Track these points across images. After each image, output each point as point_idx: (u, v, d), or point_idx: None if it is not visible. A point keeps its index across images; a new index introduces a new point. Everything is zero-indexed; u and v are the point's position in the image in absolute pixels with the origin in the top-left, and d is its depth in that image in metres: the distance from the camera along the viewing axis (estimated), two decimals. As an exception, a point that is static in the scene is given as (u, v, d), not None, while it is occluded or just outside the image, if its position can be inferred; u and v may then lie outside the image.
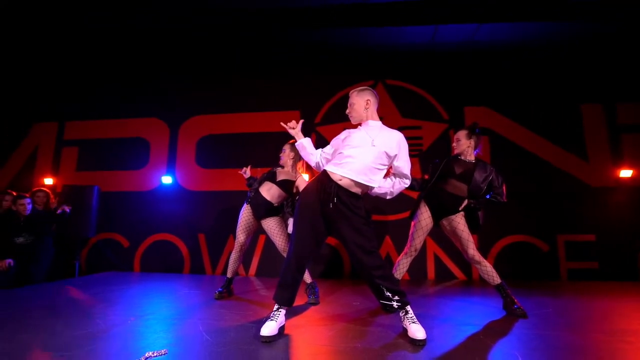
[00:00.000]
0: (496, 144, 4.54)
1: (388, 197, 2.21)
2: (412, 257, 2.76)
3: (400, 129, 4.82)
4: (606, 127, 4.44)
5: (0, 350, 1.71)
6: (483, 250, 4.28)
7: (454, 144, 2.78)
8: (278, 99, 4.96)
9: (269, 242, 4.53)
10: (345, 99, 2.30)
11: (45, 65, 5.33)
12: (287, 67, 5.04)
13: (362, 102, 2.13)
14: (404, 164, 2.11)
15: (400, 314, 1.99)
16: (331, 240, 4.52)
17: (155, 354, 1.67)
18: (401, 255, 2.77)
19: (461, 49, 4.56)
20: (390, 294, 1.96)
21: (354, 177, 1.98)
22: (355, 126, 2.21)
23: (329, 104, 4.86)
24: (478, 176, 2.63)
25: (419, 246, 2.72)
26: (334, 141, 2.24)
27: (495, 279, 2.56)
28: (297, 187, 2.96)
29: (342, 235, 1.99)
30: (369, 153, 2.00)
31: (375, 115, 2.15)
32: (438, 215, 2.69)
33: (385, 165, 2.07)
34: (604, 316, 2.50)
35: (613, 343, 1.89)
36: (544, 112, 4.57)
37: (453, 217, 2.65)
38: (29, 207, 3.95)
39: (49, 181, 5.14)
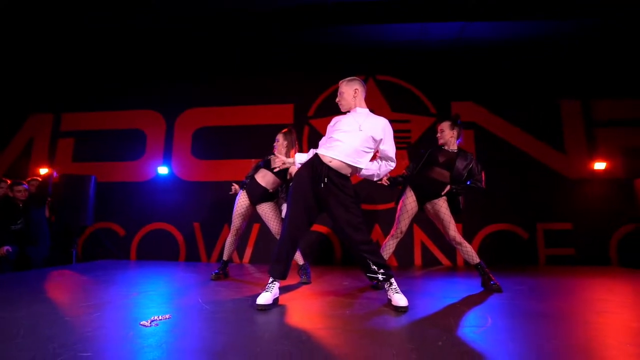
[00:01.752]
0: (481, 137, 4.76)
1: (375, 179, 2.39)
2: (398, 239, 2.93)
3: (390, 123, 5.01)
4: (583, 122, 4.70)
5: (19, 316, 1.85)
6: (468, 237, 4.49)
7: (439, 134, 2.96)
8: (273, 93, 5.12)
9: (262, 232, 4.69)
10: (335, 94, 2.44)
11: (41, 58, 5.37)
12: (281, 62, 5.19)
13: (350, 91, 2.30)
14: (389, 147, 2.28)
15: (385, 285, 2.17)
16: (322, 229, 4.70)
17: (160, 318, 1.82)
18: (388, 237, 2.94)
19: (448, 46, 4.76)
20: (375, 267, 2.14)
21: (343, 159, 2.15)
22: (344, 113, 2.38)
23: (322, 97, 5.03)
24: (460, 164, 2.83)
25: (404, 229, 2.89)
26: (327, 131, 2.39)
27: (475, 258, 2.75)
28: (290, 174, 3.12)
29: (332, 213, 2.16)
30: (356, 137, 2.17)
31: (363, 103, 2.32)
32: (422, 199, 2.88)
33: (371, 148, 2.25)
34: (571, 291, 2.72)
35: (571, 308, 2.10)
36: (526, 107, 4.80)
37: (436, 201, 2.83)
38: (28, 193, 4.04)
39: (44, 171, 5.21)
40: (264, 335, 1.60)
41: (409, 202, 2.88)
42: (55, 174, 4.27)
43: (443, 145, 2.94)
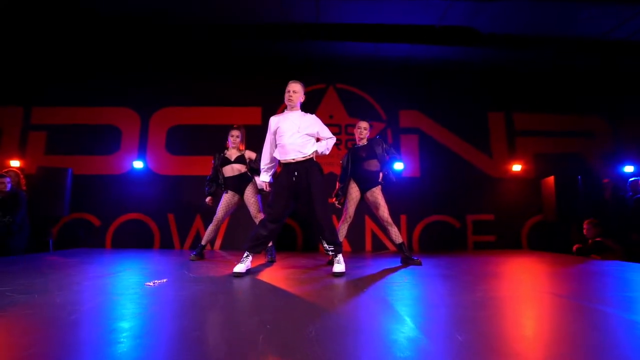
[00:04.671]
0: (423, 141, 5.58)
1: (327, 152, 2.99)
2: (348, 223, 3.58)
3: (346, 127, 5.68)
4: (505, 131, 5.66)
5: (24, 285, 2.29)
6: (410, 227, 5.32)
7: (362, 131, 3.56)
8: (243, 97, 5.62)
9: (232, 223, 5.18)
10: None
11: (10, 50, 5.45)
12: (252, 69, 5.69)
13: (301, 93, 2.90)
14: (325, 133, 2.96)
15: (334, 258, 2.83)
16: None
17: (158, 282, 2.35)
18: (340, 222, 3.59)
19: (398, 63, 5.52)
20: (327, 246, 2.79)
21: (298, 155, 2.78)
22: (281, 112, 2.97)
23: (288, 102, 5.61)
24: (378, 150, 3.52)
25: (351, 213, 3.55)
26: (269, 136, 2.93)
27: (399, 239, 3.46)
28: (249, 158, 3.76)
29: (309, 195, 2.74)
30: (298, 137, 2.78)
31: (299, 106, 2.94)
32: (364, 189, 3.52)
33: (310, 138, 2.86)
34: (481, 264, 3.54)
35: (475, 272, 2.88)
36: (461, 117, 5.69)
37: (374, 189, 3.48)
38: (9, 185, 4.28)
39: (15, 163, 5.36)
40: (241, 286, 2.19)
41: (353, 191, 3.53)
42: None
43: (356, 144, 3.62)
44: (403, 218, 5.31)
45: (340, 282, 2.45)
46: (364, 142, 3.59)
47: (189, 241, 5.22)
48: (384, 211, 3.45)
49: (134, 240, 5.21)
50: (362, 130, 3.58)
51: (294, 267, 3.24)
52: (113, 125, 5.53)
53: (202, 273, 2.79)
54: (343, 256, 2.85)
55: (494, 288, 2.33)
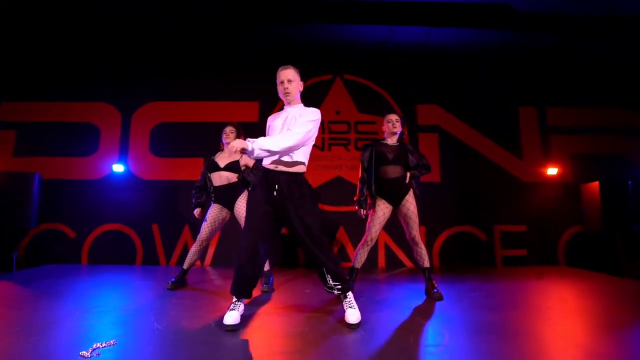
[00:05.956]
0: (444, 140, 4.87)
1: (274, 149, 1.96)
2: (369, 247, 2.89)
3: (356, 124, 5.00)
4: (538, 128, 4.93)
5: None
6: (429, 240, 4.62)
7: (394, 123, 2.86)
8: (237, 90, 4.92)
9: (225, 234, 4.51)
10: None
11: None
12: (247, 59, 4.97)
13: (297, 83, 2.18)
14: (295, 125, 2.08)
15: (342, 298, 2.15)
16: (285, 230, 4.63)
17: (104, 345, 1.69)
18: (359, 245, 2.90)
19: (415, 50, 4.79)
20: (333, 283, 2.10)
21: (281, 165, 2.08)
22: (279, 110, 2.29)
23: (288, 96, 4.90)
24: (412, 158, 2.82)
25: (375, 236, 2.85)
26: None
27: (426, 262, 2.80)
28: (244, 165, 3.07)
29: (290, 224, 2.06)
30: None
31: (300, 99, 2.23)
32: (395, 201, 2.81)
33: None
34: (523, 299, 2.86)
35: (523, 320, 2.20)
36: (488, 112, 4.96)
37: (408, 197, 2.79)
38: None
39: (-19, 167, 4.73)
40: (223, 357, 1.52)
41: (380, 209, 2.83)
42: None
43: (383, 140, 2.91)
44: (422, 230, 4.61)
45: (358, 340, 1.78)
46: (394, 140, 2.88)
47: (175, 256, 4.56)
48: (413, 227, 2.79)
49: (114, 254, 4.57)
50: (394, 123, 2.86)
51: (295, 305, 2.56)
52: (90, 123, 4.86)
53: (174, 319, 2.13)
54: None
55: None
